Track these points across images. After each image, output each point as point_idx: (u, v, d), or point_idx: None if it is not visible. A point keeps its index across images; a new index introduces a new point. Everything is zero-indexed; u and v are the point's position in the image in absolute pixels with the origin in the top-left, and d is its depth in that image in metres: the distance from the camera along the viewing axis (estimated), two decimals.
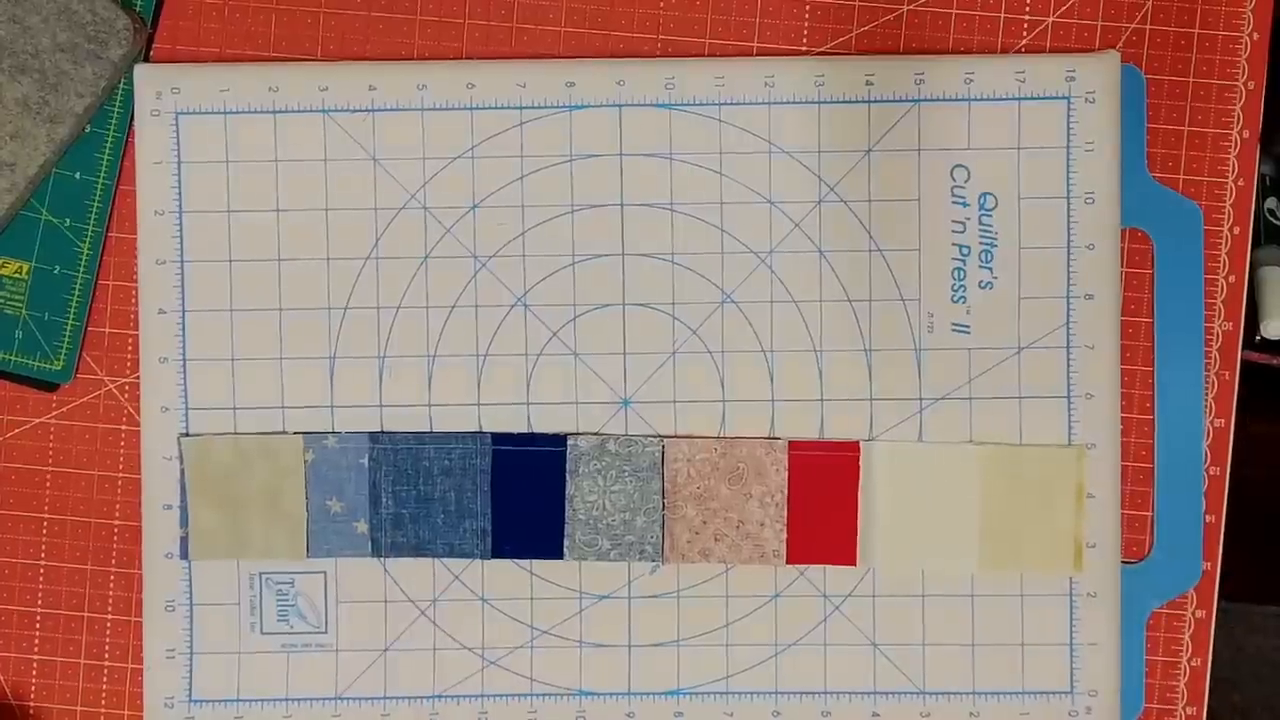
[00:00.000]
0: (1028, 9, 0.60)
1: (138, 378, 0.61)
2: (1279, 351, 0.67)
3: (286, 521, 0.60)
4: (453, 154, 0.60)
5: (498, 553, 0.60)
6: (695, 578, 0.61)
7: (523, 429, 0.60)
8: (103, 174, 0.61)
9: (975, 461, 0.60)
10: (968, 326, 0.60)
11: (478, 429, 0.60)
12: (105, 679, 0.61)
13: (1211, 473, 0.61)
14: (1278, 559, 0.80)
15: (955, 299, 0.60)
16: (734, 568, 0.60)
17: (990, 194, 0.60)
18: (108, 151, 0.61)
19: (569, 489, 0.60)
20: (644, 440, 0.60)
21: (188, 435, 0.60)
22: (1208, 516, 0.61)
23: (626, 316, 0.60)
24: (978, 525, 0.60)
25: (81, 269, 0.61)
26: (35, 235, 0.61)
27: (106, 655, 0.61)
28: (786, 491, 0.60)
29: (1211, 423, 0.61)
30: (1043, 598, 0.60)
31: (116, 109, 0.60)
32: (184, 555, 0.60)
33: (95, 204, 0.61)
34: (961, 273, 0.60)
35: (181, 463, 0.60)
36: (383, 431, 0.60)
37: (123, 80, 0.60)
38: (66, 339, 0.61)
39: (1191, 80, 0.60)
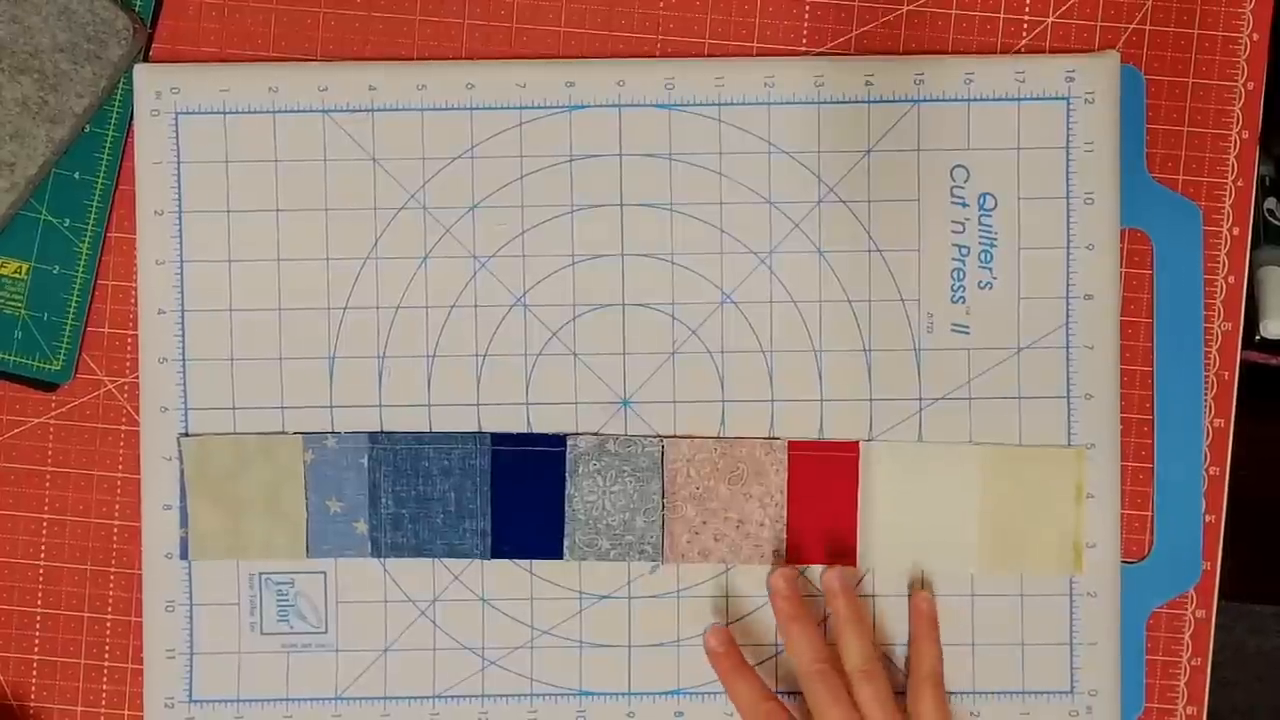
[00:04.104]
0: (1028, 9, 0.60)
1: (137, 378, 0.61)
2: (1279, 351, 0.67)
3: (286, 521, 0.60)
4: (452, 154, 0.60)
5: (497, 553, 0.60)
6: (695, 578, 0.61)
7: (522, 429, 0.60)
8: (102, 174, 0.61)
9: (975, 462, 0.60)
10: (967, 327, 0.60)
11: (477, 429, 0.60)
12: (105, 679, 0.61)
13: (1211, 473, 0.61)
14: (1278, 559, 0.80)
15: (955, 299, 0.60)
16: (734, 568, 0.60)
17: (990, 194, 0.60)
18: (107, 151, 0.60)
19: (569, 489, 0.60)
20: (644, 440, 0.60)
21: (188, 435, 0.60)
22: (1208, 516, 0.61)
23: (626, 316, 0.60)
24: (977, 525, 0.60)
25: (81, 269, 0.61)
26: (35, 235, 0.61)
27: (106, 655, 0.61)
28: (786, 491, 0.60)
29: (1211, 423, 0.61)
30: (1043, 598, 0.60)
31: (116, 109, 0.60)
32: (184, 555, 0.60)
33: (95, 204, 0.61)
34: (961, 273, 0.60)
35: (181, 463, 0.60)
36: (382, 431, 0.60)
37: (122, 80, 0.60)
38: (66, 339, 0.61)
39: (1191, 80, 0.60)
